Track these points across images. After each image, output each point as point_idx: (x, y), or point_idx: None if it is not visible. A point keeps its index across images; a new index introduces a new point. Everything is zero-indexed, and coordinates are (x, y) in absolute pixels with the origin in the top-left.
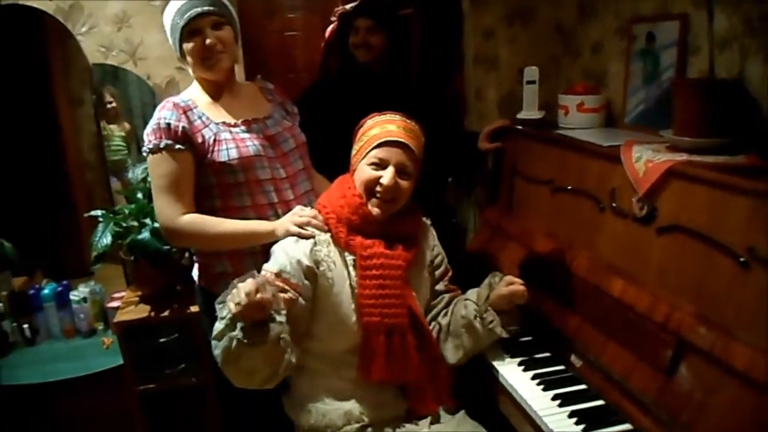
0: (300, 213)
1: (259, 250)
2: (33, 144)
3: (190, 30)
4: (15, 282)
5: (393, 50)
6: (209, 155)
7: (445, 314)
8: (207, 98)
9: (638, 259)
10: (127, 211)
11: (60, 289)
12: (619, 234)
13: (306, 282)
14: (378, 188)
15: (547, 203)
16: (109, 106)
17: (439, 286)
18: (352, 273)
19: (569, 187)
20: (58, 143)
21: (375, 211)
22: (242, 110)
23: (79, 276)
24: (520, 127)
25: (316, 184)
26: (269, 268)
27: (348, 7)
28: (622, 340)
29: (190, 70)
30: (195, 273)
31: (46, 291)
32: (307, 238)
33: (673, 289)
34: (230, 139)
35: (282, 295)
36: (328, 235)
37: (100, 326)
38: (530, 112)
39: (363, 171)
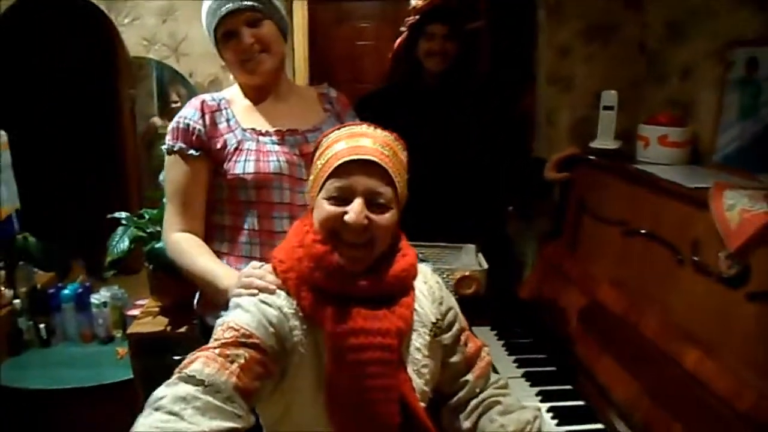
0: (248, 272)
1: None
2: (92, 138)
3: (224, 31)
4: (40, 278)
5: (461, 64)
6: (226, 164)
7: (468, 416)
8: (246, 101)
9: (721, 327)
10: (147, 216)
11: (81, 290)
12: (700, 294)
13: (275, 347)
14: (344, 231)
15: (615, 247)
16: (174, 105)
17: (455, 359)
18: (323, 357)
19: (643, 231)
20: (117, 138)
21: (343, 261)
22: (284, 118)
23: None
24: (592, 158)
25: None
26: (233, 320)
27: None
28: (692, 423)
29: (231, 77)
30: (196, 296)
31: (66, 291)
32: (250, 296)
33: (764, 370)
34: (253, 150)
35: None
36: (293, 303)
37: (119, 334)
38: (605, 141)
39: (321, 208)
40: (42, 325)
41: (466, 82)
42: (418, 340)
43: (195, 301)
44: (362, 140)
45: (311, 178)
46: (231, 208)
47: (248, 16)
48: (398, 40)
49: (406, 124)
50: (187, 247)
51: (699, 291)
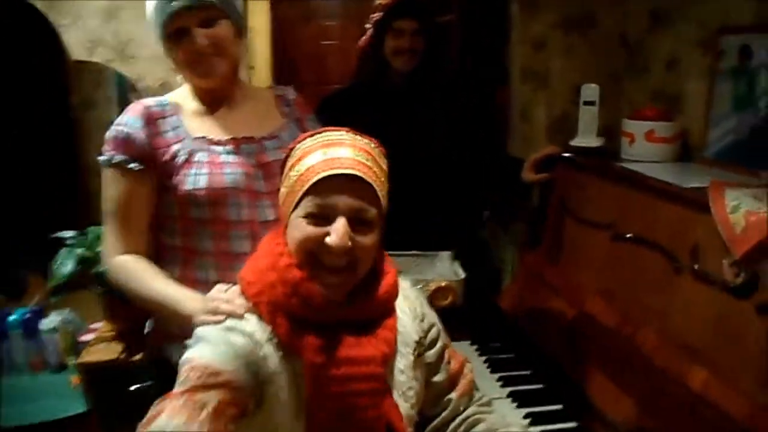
0: (213, 295)
1: None
2: (47, 147)
3: (175, 29)
4: None
5: (429, 60)
6: (174, 178)
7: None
8: (196, 104)
9: (728, 341)
10: (93, 235)
11: (29, 315)
12: (702, 306)
13: (248, 380)
14: (326, 258)
15: (604, 253)
16: None
17: (439, 378)
18: (302, 387)
19: (634, 236)
20: (72, 147)
21: (323, 289)
22: (238, 124)
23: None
24: (573, 157)
25: None
26: (198, 357)
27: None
28: None
29: (179, 78)
30: (148, 324)
31: (12, 317)
32: (217, 322)
33: None
34: (205, 162)
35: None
36: (267, 328)
37: (73, 361)
38: (587, 138)
39: (298, 228)
40: None
41: (435, 79)
42: (402, 361)
43: (147, 329)
44: (340, 150)
45: (283, 190)
46: (183, 228)
47: (203, 14)
48: (363, 38)
49: (372, 125)
50: (136, 270)
51: (701, 301)
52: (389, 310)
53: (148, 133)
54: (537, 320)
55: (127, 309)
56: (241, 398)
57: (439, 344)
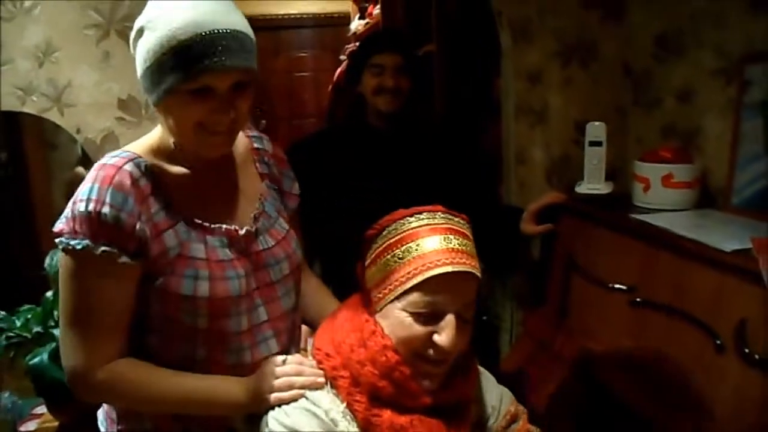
0: (278, 370)
1: None
2: None
3: (201, 87)
4: None
5: (416, 100)
6: (163, 277)
7: None
8: (176, 167)
9: None
10: (25, 317)
11: None
12: (755, 398)
13: None
14: (431, 351)
15: (623, 320)
16: None
17: None
18: None
19: (660, 304)
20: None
21: (425, 384)
22: (226, 198)
23: None
24: (580, 206)
25: (309, 302)
26: None
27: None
28: None
29: (161, 126)
30: (100, 416)
31: None
32: (295, 399)
33: None
34: (203, 260)
35: None
36: (342, 404)
37: None
38: (594, 184)
39: (402, 324)
40: None
41: (421, 120)
42: None
43: (101, 419)
44: (452, 239)
45: (379, 274)
46: (163, 329)
47: (238, 76)
48: (338, 71)
49: (351, 175)
50: (139, 374)
51: (752, 392)
52: (472, 394)
53: (141, 217)
54: (547, 398)
55: (70, 402)
56: None
57: (498, 415)
